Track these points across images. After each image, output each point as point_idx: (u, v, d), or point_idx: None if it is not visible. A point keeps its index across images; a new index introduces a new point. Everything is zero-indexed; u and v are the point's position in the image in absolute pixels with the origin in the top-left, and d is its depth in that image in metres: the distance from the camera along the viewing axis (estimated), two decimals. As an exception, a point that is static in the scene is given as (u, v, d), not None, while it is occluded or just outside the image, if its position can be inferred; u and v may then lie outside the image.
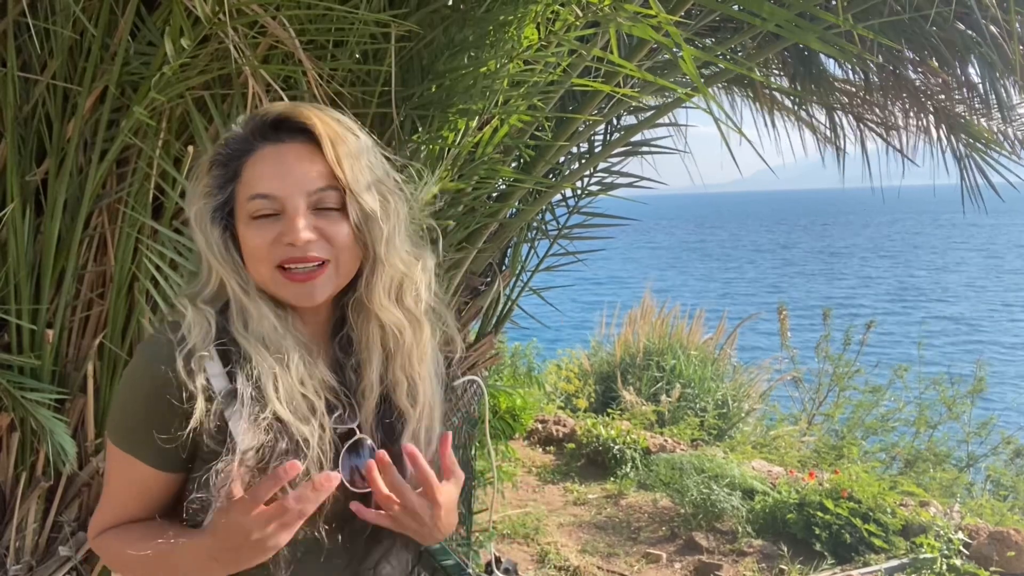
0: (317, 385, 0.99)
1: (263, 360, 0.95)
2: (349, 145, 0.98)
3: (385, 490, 0.96)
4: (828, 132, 4.29)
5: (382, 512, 0.97)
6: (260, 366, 0.95)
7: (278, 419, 0.93)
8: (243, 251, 0.99)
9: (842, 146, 4.27)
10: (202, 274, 1.03)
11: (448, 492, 1.00)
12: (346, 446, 1.00)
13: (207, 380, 0.95)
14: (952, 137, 3.91)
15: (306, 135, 0.98)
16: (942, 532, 3.87)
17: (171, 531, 0.98)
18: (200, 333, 0.96)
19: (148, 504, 1.02)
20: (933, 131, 4.01)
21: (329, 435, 0.97)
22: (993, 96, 3.50)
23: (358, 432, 1.02)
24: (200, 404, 0.92)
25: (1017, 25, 3.04)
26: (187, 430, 0.93)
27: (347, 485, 0.98)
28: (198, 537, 0.93)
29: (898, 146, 4.17)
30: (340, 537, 1.00)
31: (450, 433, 1.02)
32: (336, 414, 1.00)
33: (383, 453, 0.96)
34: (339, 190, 0.97)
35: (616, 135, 3.30)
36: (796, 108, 4.29)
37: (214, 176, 1.01)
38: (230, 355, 0.97)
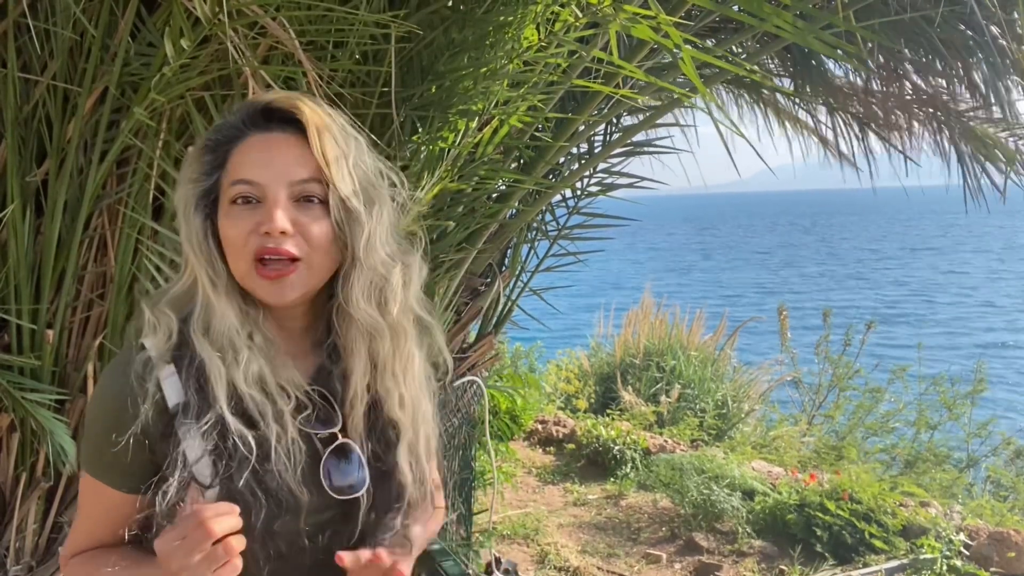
0: (285, 384, 0.96)
1: (212, 361, 0.93)
2: (337, 140, 0.97)
3: None
4: (829, 132, 4.29)
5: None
6: (209, 367, 0.93)
7: (222, 423, 0.91)
8: (222, 242, 0.97)
9: (846, 147, 4.27)
10: (181, 268, 1.01)
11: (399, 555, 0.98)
12: (327, 451, 0.98)
13: (160, 390, 0.93)
14: (954, 137, 3.91)
15: (296, 126, 0.96)
16: (942, 533, 3.87)
17: (133, 558, 0.97)
18: (160, 340, 0.95)
19: (117, 527, 1.00)
20: (935, 131, 4.01)
21: (293, 436, 0.95)
22: (1001, 97, 3.49)
23: (340, 437, 1.00)
24: (148, 415, 0.91)
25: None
26: (143, 444, 0.92)
27: (329, 492, 0.97)
28: (152, 566, 0.91)
29: (899, 146, 4.17)
30: (321, 542, 0.98)
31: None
32: (304, 414, 0.98)
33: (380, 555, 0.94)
34: (323, 184, 0.95)
35: (616, 135, 3.30)
36: (795, 108, 4.29)
37: (203, 162, 0.99)
38: (185, 361, 0.95)
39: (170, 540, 0.83)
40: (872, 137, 4.25)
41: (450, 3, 2.10)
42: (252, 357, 0.94)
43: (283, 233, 0.92)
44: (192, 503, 0.87)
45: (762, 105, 4.40)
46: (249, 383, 0.93)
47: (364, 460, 1.00)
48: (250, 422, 0.93)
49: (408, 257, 1.03)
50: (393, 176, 1.05)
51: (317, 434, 0.98)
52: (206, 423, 0.91)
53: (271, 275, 0.94)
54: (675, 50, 1.81)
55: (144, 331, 0.96)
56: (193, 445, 0.91)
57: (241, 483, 0.90)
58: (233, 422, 0.91)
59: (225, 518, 0.84)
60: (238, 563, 0.84)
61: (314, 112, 0.96)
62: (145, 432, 0.92)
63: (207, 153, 0.99)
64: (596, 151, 3.28)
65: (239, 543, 0.84)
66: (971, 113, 3.82)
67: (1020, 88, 3.49)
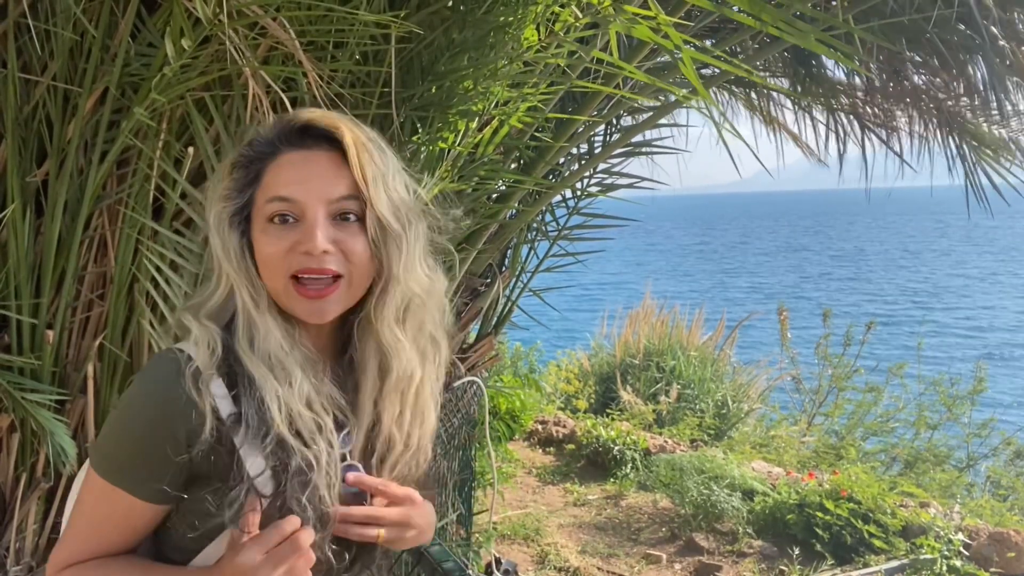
0: (325, 402, 0.97)
1: (266, 381, 0.92)
2: (375, 158, 0.96)
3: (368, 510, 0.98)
4: (827, 133, 4.29)
5: (370, 530, 0.98)
6: (264, 387, 0.92)
7: (282, 442, 0.92)
8: (257, 259, 0.96)
9: (842, 148, 4.27)
10: (212, 280, 0.99)
11: (405, 488, 1.02)
12: (343, 472, 0.99)
13: (214, 401, 0.92)
14: (955, 139, 3.91)
15: (332, 144, 0.96)
16: (942, 533, 3.87)
17: (145, 569, 0.95)
18: (206, 353, 0.93)
19: (129, 537, 0.97)
20: (936, 133, 4.01)
21: (336, 453, 0.96)
22: (1000, 98, 3.49)
23: (348, 458, 1.00)
24: (208, 426, 0.89)
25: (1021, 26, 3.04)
26: (180, 454, 0.91)
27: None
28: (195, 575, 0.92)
29: (899, 148, 4.18)
30: (342, 554, 1.00)
31: (362, 474, 1.00)
32: (345, 431, 0.99)
33: (359, 476, 0.99)
34: (360, 201, 0.94)
35: (616, 136, 3.30)
36: (795, 110, 4.29)
37: (235, 179, 0.98)
38: (235, 376, 0.94)
39: (252, 553, 0.85)
40: (872, 138, 4.25)
41: (450, 3, 2.10)
42: (302, 377, 0.94)
43: (324, 252, 0.92)
44: (251, 514, 0.88)
45: (759, 113, 4.40)
46: (300, 403, 0.93)
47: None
48: (303, 441, 0.93)
49: (437, 276, 1.03)
50: (423, 194, 1.04)
51: (345, 453, 1.00)
52: (269, 442, 0.91)
53: (311, 294, 0.93)
54: (675, 51, 1.81)
55: (186, 342, 0.96)
56: (255, 460, 0.91)
57: (293, 497, 0.91)
58: (295, 443, 0.92)
59: (306, 531, 0.87)
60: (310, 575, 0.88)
61: (352, 132, 0.96)
62: (191, 442, 0.90)
63: (238, 169, 0.99)
64: (596, 152, 3.29)
65: (313, 557, 0.88)
66: (970, 113, 3.82)
67: (1020, 88, 3.49)
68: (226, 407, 0.92)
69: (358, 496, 1.00)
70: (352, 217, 0.95)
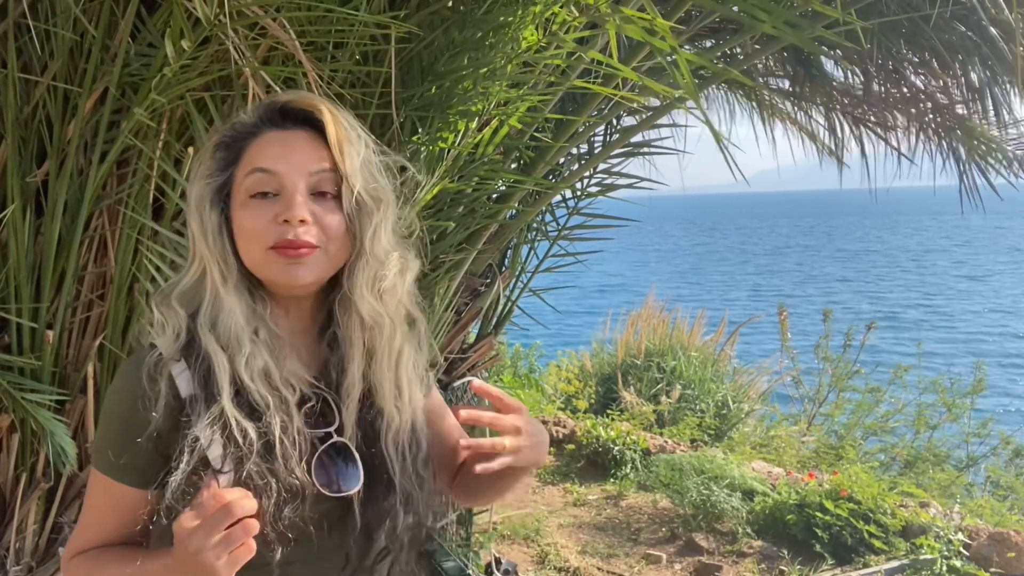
0: (289, 377, 0.99)
1: (216, 355, 0.95)
2: (351, 138, 1.00)
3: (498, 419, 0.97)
4: (826, 134, 4.30)
5: (502, 458, 0.96)
6: (214, 362, 0.95)
7: (229, 415, 0.94)
8: (236, 233, 0.99)
9: (841, 148, 4.27)
10: (187, 262, 1.03)
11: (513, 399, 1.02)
12: (322, 448, 1.00)
13: (172, 385, 0.95)
14: (952, 139, 3.92)
15: (310, 125, 1.00)
16: (942, 533, 3.87)
17: (136, 555, 0.98)
18: (171, 336, 0.97)
19: (125, 524, 1.01)
20: (933, 132, 4.01)
21: (299, 426, 0.97)
22: (990, 99, 3.50)
23: (335, 436, 1.01)
24: (160, 410, 0.93)
25: (1022, 25, 3.04)
26: (154, 439, 0.94)
27: (320, 488, 0.98)
28: (162, 556, 0.93)
29: (897, 147, 4.18)
30: (326, 531, 0.99)
31: (475, 381, 1.01)
32: (308, 405, 1.00)
33: (478, 384, 0.98)
34: (336, 177, 0.98)
35: (615, 136, 3.30)
36: (795, 111, 4.30)
37: (216, 159, 1.02)
38: (192, 356, 0.97)
39: (188, 521, 0.85)
40: (871, 138, 4.26)
41: (450, 3, 2.10)
42: (257, 352, 0.97)
43: (302, 222, 0.95)
44: (208, 487, 0.88)
45: (758, 106, 4.40)
46: (254, 377, 0.96)
47: (359, 458, 1.01)
48: (255, 414, 0.95)
49: (405, 251, 1.07)
50: (400, 162, 1.09)
51: (316, 432, 1.00)
52: (211, 415, 0.94)
53: (290, 254, 0.96)
54: (666, 53, 1.81)
55: (153, 331, 1.00)
56: (202, 433, 0.93)
57: (252, 469, 0.92)
58: (234, 414, 0.94)
59: (243, 500, 0.86)
60: (253, 545, 0.86)
61: (330, 111, 1.01)
62: (157, 428, 0.94)
63: (221, 150, 1.02)
64: (596, 152, 3.29)
65: (255, 525, 0.85)
66: (968, 113, 3.82)
67: (1017, 89, 3.50)
68: (185, 388, 0.96)
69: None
70: (328, 194, 0.99)
